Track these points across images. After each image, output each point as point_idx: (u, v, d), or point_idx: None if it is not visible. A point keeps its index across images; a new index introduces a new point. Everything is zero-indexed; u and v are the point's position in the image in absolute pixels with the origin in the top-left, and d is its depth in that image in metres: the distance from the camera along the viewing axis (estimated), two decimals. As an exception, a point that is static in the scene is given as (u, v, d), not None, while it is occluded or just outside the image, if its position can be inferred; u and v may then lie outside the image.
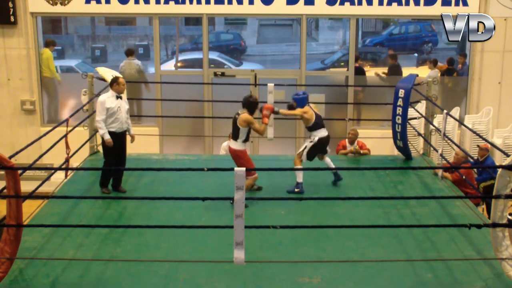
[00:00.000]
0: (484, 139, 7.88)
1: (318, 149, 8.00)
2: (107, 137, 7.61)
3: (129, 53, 12.71)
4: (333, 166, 8.03)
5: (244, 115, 7.43)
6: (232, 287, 5.69)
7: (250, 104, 7.50)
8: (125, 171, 8.11)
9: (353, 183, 8.19)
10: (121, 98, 7.73)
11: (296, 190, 7.83)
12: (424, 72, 12.57)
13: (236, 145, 7.49)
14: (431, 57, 14.66)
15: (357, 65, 12.67)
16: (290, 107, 8.05)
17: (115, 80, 7.75)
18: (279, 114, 7.92)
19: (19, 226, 5.37)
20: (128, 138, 8.05)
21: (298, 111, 7.93)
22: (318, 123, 7.97)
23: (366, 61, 14.53)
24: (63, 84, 12.78)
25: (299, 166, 7.81)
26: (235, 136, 7.50)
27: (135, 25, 17.11)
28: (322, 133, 7.97)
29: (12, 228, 5.33)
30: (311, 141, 7.94)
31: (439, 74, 12.42)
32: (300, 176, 7.87)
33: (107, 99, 7.65)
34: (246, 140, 7.52)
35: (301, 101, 7.98)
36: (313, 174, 8.18)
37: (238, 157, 7.47)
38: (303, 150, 7.94)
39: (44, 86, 12.52)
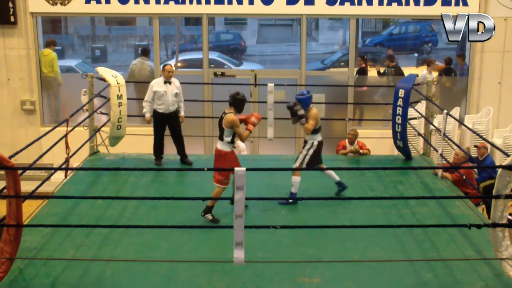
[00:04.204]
0: (484, 139, 7.88)
1: (317, 155, 7.57)
2: (147, 115, 8.73)
3: (144, 53, 12.74)
4: (337, 177, 7.76)
5: (230, 116, 6.91)
6: (232, 287, 5.69)
7: (238, 102, 6.99)
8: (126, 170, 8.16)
9: (353, 183, 8.17)
10: (169, 83, 8.62)
11: (290, 201, 7.45)
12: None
13: (221, 146, 7.02)
14: (431, 57, 14.65)
15: (363, 65, 12.67)
16: (291, 109, 7.52)
17: (163, 67, 8.71)
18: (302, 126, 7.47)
19: (19, 226, 5.38)
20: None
21: (311, 123, 7.42)
22: (320, 126, 7.60)
23: (366, 61, 14.50)
24: (63, 84, 12.79)
25: (298, 177, 7.46)
26: (220, 136, 7.02)
27: (135, 25, 17.07)
28: (320, 137, 7.59)
29: (12, 228, 5.33)
30: (310, 147, 7.54)
31: (435, 75, 12.35)
32: (296, 187, 7.48)
33: (155, 83, 8.66)
34: (232, 141, 7.04)
35: (307, 101, 7.47)
36: (312, 174, 8.17)
37: (219, 158, 7.01)
38: (303, 159, 7.53)
39: (44, 86, 12.52)
